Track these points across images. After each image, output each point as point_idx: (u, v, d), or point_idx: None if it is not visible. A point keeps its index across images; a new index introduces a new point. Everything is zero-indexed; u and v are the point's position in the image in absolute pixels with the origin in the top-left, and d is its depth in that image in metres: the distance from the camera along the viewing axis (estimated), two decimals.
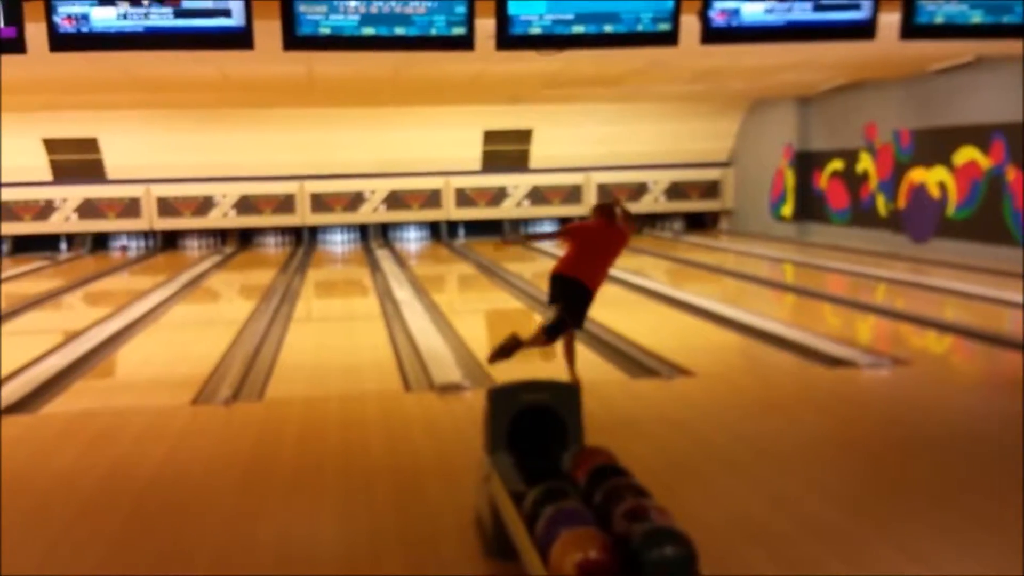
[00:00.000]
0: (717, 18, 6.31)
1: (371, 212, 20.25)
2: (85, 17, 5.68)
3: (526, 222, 21.02)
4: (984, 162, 13.67)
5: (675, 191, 20.87)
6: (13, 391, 6.98)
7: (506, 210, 20.68)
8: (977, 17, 6.53)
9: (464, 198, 20.46)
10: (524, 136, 20.25)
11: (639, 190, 20.80)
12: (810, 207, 18.63)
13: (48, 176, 19.32)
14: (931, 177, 14.88)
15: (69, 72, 11.52)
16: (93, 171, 19.34)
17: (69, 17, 5.69)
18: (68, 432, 6.00)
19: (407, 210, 20.36)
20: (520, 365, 6.84)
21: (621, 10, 6.08)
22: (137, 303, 11.65)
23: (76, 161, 19.22)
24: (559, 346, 6.72)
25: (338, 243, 20.36)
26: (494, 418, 4.05)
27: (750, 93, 18.35)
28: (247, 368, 7.70)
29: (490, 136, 20.10)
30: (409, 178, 20.18)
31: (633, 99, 18.44)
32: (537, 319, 10.32)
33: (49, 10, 5.68)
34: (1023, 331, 8.56)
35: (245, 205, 19.81)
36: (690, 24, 6.32)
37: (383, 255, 17.34)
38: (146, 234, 19.85)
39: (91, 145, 19.07)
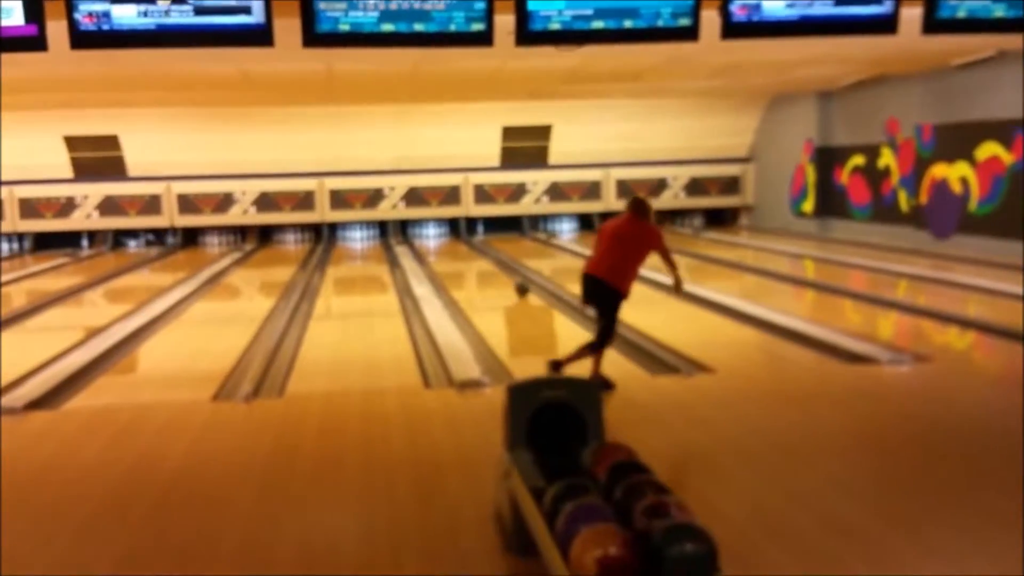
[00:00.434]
0: (738, 13, 6.28)
1: (390, 209, 20.28)
2: (106, 15, 5.71)
3: (545, 218, 21.00)
4: (1006, 157, 13.56)
5: (695, 187, 20.81)
6: (37, 387, 7.03)
7: (525, 206, 20.67)
8: (1000, 11, 6.48)
9: (483, 194, 20.46)
10: (543, 132, 20.22)
11: (659, 186, 20.74)
12: (831, 203, 18.53)
13: (69, 173, 19.44)
14: (953, 172, 14.78)
15: (90, 70, 11.59)
16: (114, 168, 19.45)
17: (90, 15, 5.71)
18: (91, 427, 6.04)
19: (426, 207, 20.38)
20: (541, 361, 6.85)
21: (641, 5, 6.07)
22: (158, 299, 11.72)
23: (97, 158, 19.33)
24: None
25: (357, 240, 20.40)
26: (514, 414, 4.05)
27: (770, 88, 18.26)
28: (267, 364, 7.73)
29: (509, 132, 20.08)
30: (428, 175, 20.20)
31: (653, 95, 18.39)
32: (556, 315, 10.32)
33: (70, 8, 5.71)
34: None
35: (265, 202, 19.88)
36: (711, 19, 6.29)
37: (402, 251, 17.36)
38: (166, 231, 19.94)
39: (112, 143, 19.17)
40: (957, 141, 14.61)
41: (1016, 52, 12.79)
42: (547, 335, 9.66)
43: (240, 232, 20.24)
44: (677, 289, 6.93)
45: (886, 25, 6.47)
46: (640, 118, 19.82)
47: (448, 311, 10.08)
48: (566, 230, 21.00)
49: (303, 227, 20.36)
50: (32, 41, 5.72)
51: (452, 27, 5.92)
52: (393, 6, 5.81)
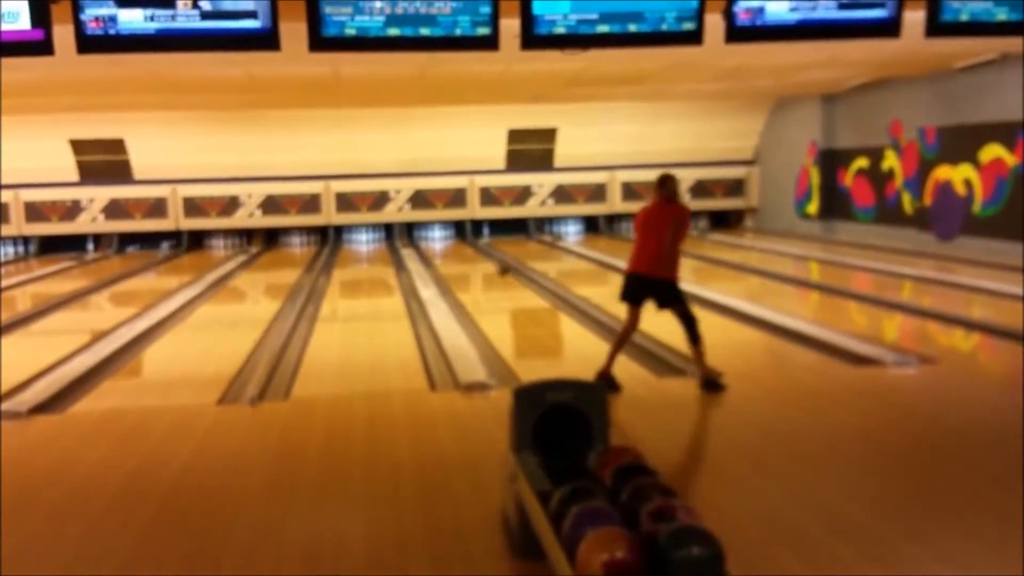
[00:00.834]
0: (742, 17, 6.29)
1: (396, 211, 20.30)
2: (112, 19, 5.73)
3: (551, 221, 21.03)
4: (1010, 159, 13.55)
5: (700, 189, 20.81)
6: (42, 390, 7.05)
7: (531, 209, 20.69)
8: (1002, 14, 6.48)
9: (489, 197, 20.48)
10: (548, 135, 20.24)
11: None
12: (835, 205, 18.53)
13: (75, 177, 19.49)
14: (957, 175, 14.77)
15: (96, 73, 11.62)
16: (120, 172, 19.49)
17: (96, 19, 5.73)
18: (96, 431, 6.06)
19: (432, 209, 20.40)
20: (547, 364, 6.86)
21: (645, 9, 6.08)
22: (163, 303, 11.74)
23: (103, 162, 19.38)
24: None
25: (363, 242, 20.42)
26: (520, 417, 4.06)
27: (775, 91, 18.26)
28: (273, 367, 7.74)
29: (515, 135, 20.11)
30: (434, 177, 20.23)
31: (658, 97, 18.40)
32: (562, 318, 10.32)
33: (77, 12, 5.73)
34: None
35: (271, 205, 19.91)
36: (715, 23, 6.31)
37: (408, 254, 17.38)
38: (172, 234, 19.98)
39: (118, 146, 19.22)
40: (961, 143, 14.61)
41: (1019, 55, 12.78)
42: (553, 337, 9.67)
43: (246, 235, 20.27)
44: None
45: (889, 29, 6.47)
46: (645, 121, 19.84)
47: (454, 314, 10.09)
48: (572, 232, 21.02)
49: (309, 230, 20.40)
50: (39, 46, 5.74)
51: (458, 31, 5.93)
52: (399, 10, 5.83)
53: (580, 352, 8.68)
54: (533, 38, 6.11)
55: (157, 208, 19.66)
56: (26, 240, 19.72)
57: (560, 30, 6.09)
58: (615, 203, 20.77)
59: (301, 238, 20.47)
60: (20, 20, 5.73)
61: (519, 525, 3.80)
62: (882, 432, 5.65)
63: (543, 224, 21.01)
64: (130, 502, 4.73)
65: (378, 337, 9.51)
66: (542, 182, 20.59)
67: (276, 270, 16.58)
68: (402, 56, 6.86)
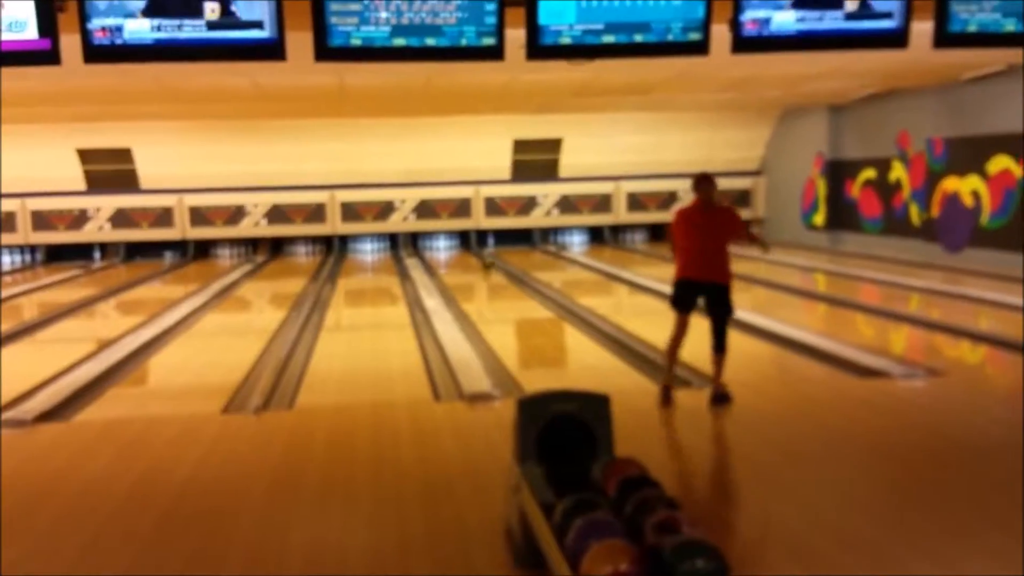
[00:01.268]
0: (748, 27, 6.28)
1: (401, 221, 20.32)
2: (119, 29, 5.74)
3: (555, 231, 21.03)
4: (1018, 171, 13.52)
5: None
6: (47, 399, 7.05)
7: (536, 219, 20.69)
8: (1010, 26, 6.46)
9: (494, 207, 20.49)
10: (554, 145, 20.25)
11: (670, 199, 20.72)
12: (842, 216, 18.50)
13: (82, 186, 19.54)
14: (964, 186, 14.74)
15: (103, 83, 11.65)
16: (126, 181, 19.54)
17: (103, 29, 5.74)
18: (101, 439, 6.05)
19: (437, 219, 20.41)
20: (551, 374, 6.84)
21: (651, 20, 6.07)
22: (169, 312, 11.75)
23: (110, 171, 19.42)
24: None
25: (368, 252, 20.44)
26: (524, 428, 4.04)
27: (781, 101, 18.25)
28: (278, 376, 7.74)
29: (520, 145, 20.12)
30: (439, 187, 20.24)
31: (663, 108, 18.40)
32: (567, 328, 10.31)
33: (83, 21, 5.74)
34: None
35: (276, 214, 19.94)
36: (721, 33, 6.30)
37: (413, 264, 17.38)
38: (178, 244, 20.01)
39: (125, 155, 19.27)
40: (968, 155, 14.58)
41: None
42: (557, 348, 9.65)
43: (251, 244, 20.31)
44: (764, 250, 7.38)
45: (897, 40, 6.46)
46: (651, 131, 19.84)
47: (458, 323, 10.08)
48: (576, 243, 21.02)
49: (314, 239, 20.43)
50: (46, 55, 5.75)
51: (463, 41, 5.93)
52: (405, 21, 5.83)
53: (584, 363, 8.68)
54: (538, 48, 6.10)
55: (163, 217, 19.70)
56: (33, 249, 19.77)
57: (566, 40, 6.08)
58: (620, 214, 20.76)
59: (306, 247, 20.50)
60: (27, 29, 5.74)
61: (522, 536, 3.79)
62: (889, 445, 5.62)
63: (548, 234, 21.01)
64: (134, 510, 4.72)
65: (382, 347, 9.50)
66: (547, 192, 20.59)
67: (281, 279, 16.60)
68: (407, 66, 6.86)
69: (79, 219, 19.60)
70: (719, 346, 6.53)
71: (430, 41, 5.90)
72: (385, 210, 20.21)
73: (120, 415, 6.87)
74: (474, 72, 11.62)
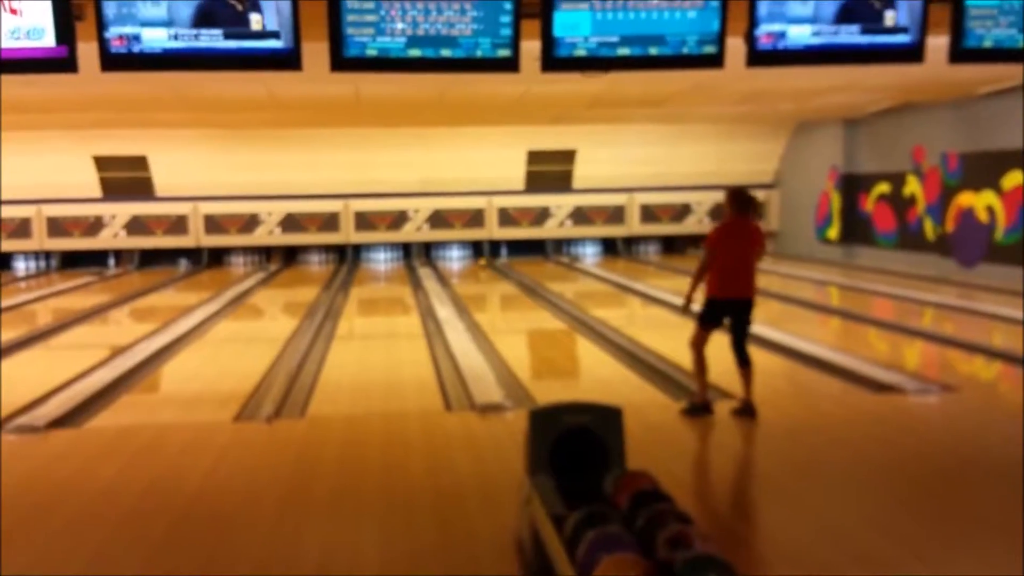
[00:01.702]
0: (763, 40, 6.27)
1: (414, 231, 20.35)
2: (136, 38, 5.76)
3: (568, 242, 21.04)
4: None
5: (719, 213, 20.70)
6: (59, 405, 7.07)
7: (549, 230, 20.71)
8: None
9: (507, 218, 20.51)
10: (568, 156, 20.27)
11: (683, 211, 20.74)
12: (856, 230, 18.44)
13: (98, 193, 19.65)
14: (979, 201, 14.68)
15: (119, 91, 11.71)
16: (142, 188, 19.64)
17: (120, 37, 5.77)
18: (112, 446, 6.06)
19: (450, 229, 20.44)
20: (563, 386, 6.83)
21: (666, 32, 6.07)
22: (183, 319, 11.78)
23: (125, 178, 19.53)
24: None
25: (381, 261, 20.48)
26: (535, 439, 4.04)
27: (796, 115, 18.23)
28: (289, 385, 7.75)
29: (534, 156, 20.14)
30: (452, 197, 20.28)
31: (677, 120, 18.40)
32: (579, 339, 10.29)
33: (100, 30, 5.77)
34: None
35: (290, 223, 20.00)
36: (736, 46, 6.29)
37: (425, 274, 17.40)
38: (192, 251, 20.08)
39: (141, 163, 19.37)
40: (983, 169, 14.52)
41: None
42: (569, 359, 9.64)
43: (265, 252, 20.37)
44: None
45: (912, 54, 6.43)
46: (665, 143, 19.85)
47: (470, 334, 10.07)
48: (590, 254, 21.02)
49: (328, 248, 20.49)
50: (63, 63, 5.78)
51: (478, 53, 5.94)
52: (420, 31, 5.84)
53: (597, 375, 8.66)
54: (553, 60, 6.10)
55: (178, 225, 19.78)
56: (48, 255, 19.88)
57: (580, 52, 6.08)
58: (633, 225, 20.75)
59: (320, 256, 20.55)
60: (45, 37, 5.77)
61: (533, 548, 3.77)
62: (903, 461, 5.59)
63: (561, 245, 21.02)
64: (144, 518, 4.72)
65: (394, 356, 9.50)
66: (560, 203, 20.61)
67: (294, 288, 16.63)
68: (422, 77, 6.87)
69: (94, 226, 19.69)
70: (744, 360, 6.53)
71: (445, 52, 5.91)
72: (399, 220, 20.26)
73: (132, 422, 6.88)
74: (489, 83, 11.64)
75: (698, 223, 20.71)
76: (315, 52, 5.85)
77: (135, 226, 19.76)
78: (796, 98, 14.72)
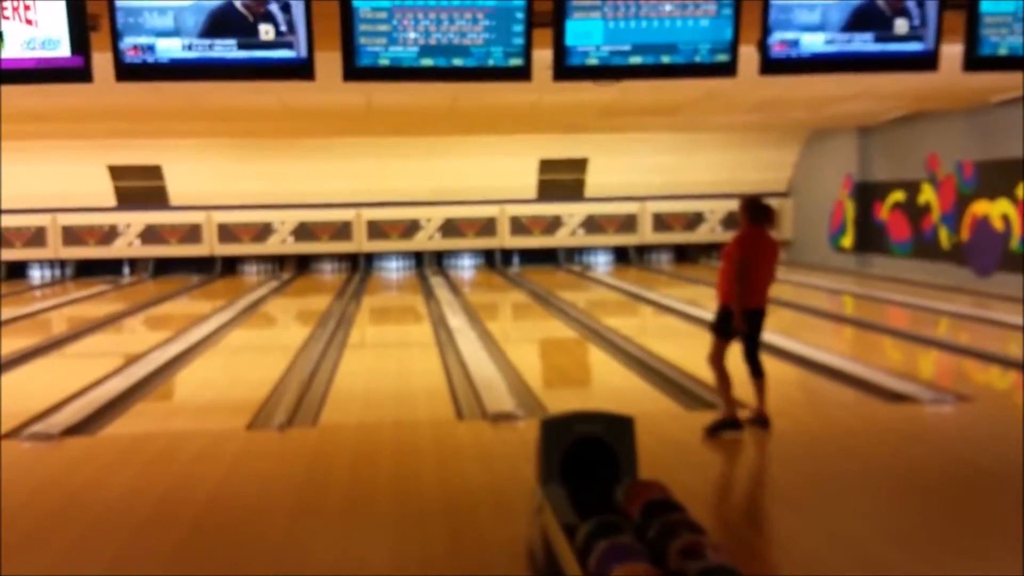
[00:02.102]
0: (776, 49, 6.26)
1: (426, 240, 20.38)
2: (151, 48, 5.79)
3: (580, 251, 21.04)
4: None
5: (732, 221, 20.68)
6: (74, 413, 7.10)
7: (561, 239, 20.70)
8: None
9: (519, 226, 20.52)
10: (580, 165, 20.28)
11: (696, 220, 20.71)
12: (870, 238, 18.38)
13: (112, 202, 19.75)
14: (994, 210, 14.62)
15: (134, 101, 11.77)
16: (156, 198, 19.73)
17: (135, 48, 5.80)
18: (126, 454, 6.08)
19: (462, 238, 20.46)
20: (575, 395, 6.82)
21: (679, 41, 6.06)
22: (196, 327, 11.81)
23: (140, 188, 19.63)
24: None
25: (393, 270, 20.50)
26: (547, 449, 4.03)
27: (809, 123, 18.19)
28: (302, 393, 7.76)
29: (546, 165, 20.16)
30: (464, 206, 20.30)
31: (690, 128, 18.38)
32: (591, 348, 10.28)
33: (115, 40, 5.80)
34: None
35: (303, 232, 20.06)
36: (749, 54, 6.28)
37: (437, 282, 17.41)
38: (206, 260, 20.14)
39: (155, 172, 19.46)
40: (998, 178, 14.46)
41: None
42: (581, 368, 9.62)
43: (278, 261, 20.43)
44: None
45: (926, 62, 6.41)
46: (677, 152, 19.83)
47: (482, 343, 10.07)
48: (601, 263, 21.00)
49: (340, 257, 20.53)
50: (78, 72, 5.81)
51: (490, 62, 5.94)
52: (433, 41, 5.85)
53: (609, 384, 8.64)
54: (565, 69, 6.10)
55: (192, 234, 19.87)
56: (63, 263, 19.97)
57: (592, 61, 6.08)
58: (646, 234, 20.73)
59: (332, 265, 20.59)
60: (60, 47, 5.81)
61: (544, 558, 3.77)
62: (917, 471, 5.56)
63: (573, 254, 21.02)
64: (158, 526, 4.74)
65: (406, 365, 9.51)
66: (573, 212, 20.61)
67: (307, 296, 16.67)
68: (435, 86, 6.88)
69: (109, 235, 19.78)
70: (758, 370, 6.48)
71: (457, 61, 5.92)
72: (411, 228, 20.28)
73: (145, 430, 6.90)
74: (501, 92, 11.65)
75: (711, 232, 20.68)
76: (327, 61, 5.87)
77: (149, 235, 19.84)
78: (809, 106, 14.69)
